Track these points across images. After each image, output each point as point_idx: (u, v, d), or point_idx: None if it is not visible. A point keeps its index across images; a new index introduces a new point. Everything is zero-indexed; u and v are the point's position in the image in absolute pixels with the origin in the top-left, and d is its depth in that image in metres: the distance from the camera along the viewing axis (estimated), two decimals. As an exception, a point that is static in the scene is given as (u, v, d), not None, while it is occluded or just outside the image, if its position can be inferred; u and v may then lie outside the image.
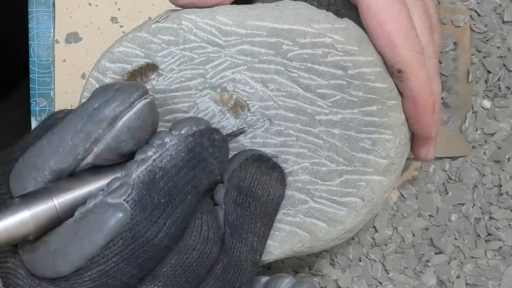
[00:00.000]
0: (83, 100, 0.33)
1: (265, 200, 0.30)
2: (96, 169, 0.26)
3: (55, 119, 0.28)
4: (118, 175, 0.26)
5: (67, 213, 0.25)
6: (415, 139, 0.35)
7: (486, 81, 0.42)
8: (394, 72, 0.32)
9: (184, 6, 0.33)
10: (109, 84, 0.26)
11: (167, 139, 0.26)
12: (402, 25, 0.31)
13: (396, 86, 0.33)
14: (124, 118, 0.25)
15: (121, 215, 0.24)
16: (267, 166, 0.31)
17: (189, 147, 0.26)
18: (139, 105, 0.25)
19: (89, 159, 0.25)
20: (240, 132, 0.32)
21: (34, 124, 0.42)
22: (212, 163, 0.27)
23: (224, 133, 0.32)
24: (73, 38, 0.41)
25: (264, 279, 0.31)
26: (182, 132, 0.26)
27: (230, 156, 0.30)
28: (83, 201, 0.25)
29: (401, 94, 0.33)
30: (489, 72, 0.42)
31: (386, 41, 0.32)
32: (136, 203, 0.24)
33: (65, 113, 0.28)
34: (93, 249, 0.24)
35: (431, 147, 0.36)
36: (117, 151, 0.26)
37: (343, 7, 0.42)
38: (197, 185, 0.26)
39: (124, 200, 0.24)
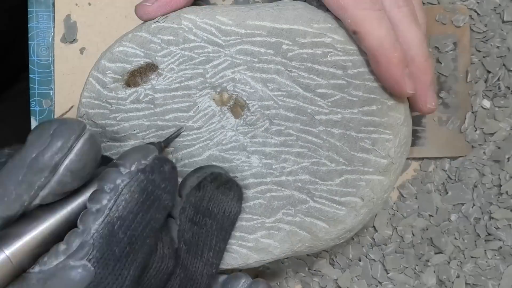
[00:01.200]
0: (83, 100, 0.33)
1: (220, 217, 0.31)
2: (46, 206, 0.26)
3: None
4: (71, 208, 0.26)
5: (23, 262, 0.25)
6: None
7: (486, 81, 0.41)
8: (352, 34, 0.32)
9: (151, 17, 0.33)
10: (44, 125, 0.25)
11: (118, 181, 0.26)
12: None
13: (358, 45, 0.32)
14: (66, 162, 0.25)
15: (85, 276, 0.24)
16: (225, 186, 0.31)
17: (142, 187, 0.26)
18: (78, 145, 0.25)
19: (36, 201, 0.25)
20: (178, 133, 0.33)
21: (34, 124, 0.42)
22: (166, 198, 0.27)
23: (163, 140, 0.32)
24: (73, 37, 0.41)
25: (222, 278, 0.31)
26: (132, 168, 0.26)
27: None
28: (38, 244, 0.25)
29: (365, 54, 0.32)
30: (488, 72, 0.41)
31: (336, 5, 0.31)
32: (99, 260, 0.24)
33: (5, 155, 0.27)
34: None
35: (428, 96, 0.34)
36: (63, 191, 0.26)
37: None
38: (154, 225, 0.26)
39: (87, 259, 0.24)
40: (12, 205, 0.25)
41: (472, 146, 0.42)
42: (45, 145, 0.24)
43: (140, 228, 0.26)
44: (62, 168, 0.25)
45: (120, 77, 0.33)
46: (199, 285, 0.30)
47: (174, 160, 0.33)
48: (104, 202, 0.25)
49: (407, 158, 0.36)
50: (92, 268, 0.24)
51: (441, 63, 0.41)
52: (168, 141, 0.32)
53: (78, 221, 0.25)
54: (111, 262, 0.25)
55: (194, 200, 0.30)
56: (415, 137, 0.41)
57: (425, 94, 0.33)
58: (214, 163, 0.33)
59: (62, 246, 0.25)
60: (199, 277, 0.29)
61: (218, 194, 0.31)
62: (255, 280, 0.31)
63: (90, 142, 0.25)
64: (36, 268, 0.25)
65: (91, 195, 0.26)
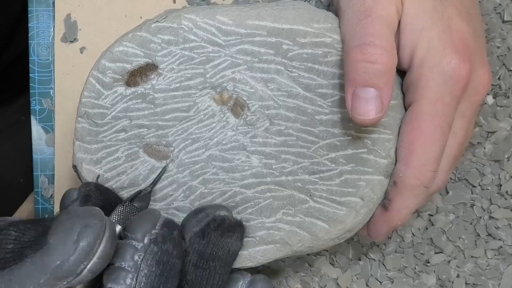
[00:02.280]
0: (83, 100, 0.33)
1: (224, 257, 0.31)
2: None
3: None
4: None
5: None
6: (370, 223, 0.35)
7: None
8: (391, 180, 0.33)
9: None
10: (66, 225, 0.24)
11: (136, 257, 0.26)
12: (427, 153, 0.31)
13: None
14: (89, 266, 0.24)
15: None
16: (229, 230, 0.31)
17: (157, 259, 0.26)
18: (101, 247, 0.24)
19: None
20: (162, 173, 0.33)
21: (34, 123, 0.42)
22: (178, 264, 0.27)
23: (148, 185, 0.33)
24: (73, 37, 0.41)
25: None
26: (145, 241, 0.26)
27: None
28: None
29: (384, 196, 0.34)
30: (489, 71, 0.41)
31: (405, 154, 0.32)
32: None
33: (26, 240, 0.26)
34: None
35: (383, 234, 0.35)
36: (80, 285, 0.25)
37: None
38: None
39: None
40: None
41: (471, 144, 0.42)
42: (70, 253, 0.24)
43: None
44: (84, 271, 0.24)
45: (120, 77, 0.33)
46: None
47: (174, 159, 0.33)
48: (128, 281, 0.25)
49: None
50: None
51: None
52: (155, 183, 0.33)
53: None
54: None
55: (198, 248, 0.30)
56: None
57: (384, 230, 0.35)
58: (217, 204, 0.33)
59: None
60: None
61: (222, 239, 0.30)
62: (254, 278, 0.31)
63: (111, 241, 0.25)
64: None
65: (110, 273, 0.26)
